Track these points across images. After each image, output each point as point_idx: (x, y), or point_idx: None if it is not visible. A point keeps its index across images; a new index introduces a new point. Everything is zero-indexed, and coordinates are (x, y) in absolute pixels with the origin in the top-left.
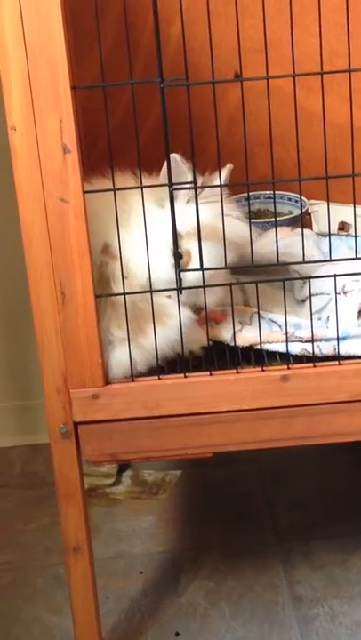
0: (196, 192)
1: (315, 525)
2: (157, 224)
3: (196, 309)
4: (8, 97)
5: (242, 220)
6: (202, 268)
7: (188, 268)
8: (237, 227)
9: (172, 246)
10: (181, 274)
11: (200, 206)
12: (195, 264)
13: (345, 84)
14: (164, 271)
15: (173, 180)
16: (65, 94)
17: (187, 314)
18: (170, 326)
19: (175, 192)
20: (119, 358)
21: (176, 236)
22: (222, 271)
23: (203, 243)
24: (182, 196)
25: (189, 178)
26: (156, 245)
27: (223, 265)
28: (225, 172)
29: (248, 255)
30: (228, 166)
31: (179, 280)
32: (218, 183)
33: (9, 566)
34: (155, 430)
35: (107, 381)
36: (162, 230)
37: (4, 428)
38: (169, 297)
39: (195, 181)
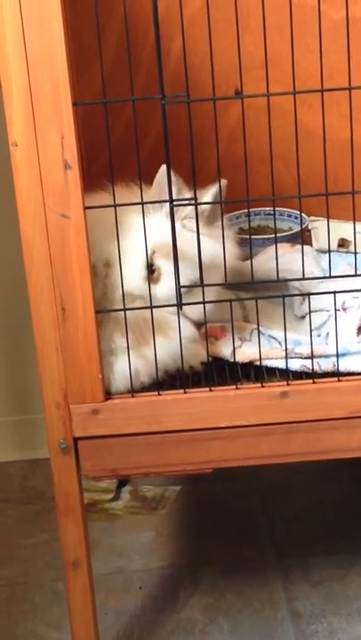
0: (196, 209)
1: (314, 541)
2: (138, 234)
3: (197, 325)
4: (10, 113)
5: (219, 239)
6: (202, 284)
7: (158, 284)
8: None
9: (141, 261)
10: (152, 287)
11: (168, 223)
12: (164, 280)
13: (345, 102)
14: (137, 284)
15: (161, 193)
16: (66, 110)
17: (191, 329)
18: (174, 338)
19: (157, 205)
20: (122, 368)
21: (176, 250)
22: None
23: (164, 261)
24: (165, 210)
25: (180, 189)
26: (132, 255)
27: (198, 282)
28: (221, 189)
29: (248, 271)
30: (223, 182)
31: (179, 296)
32: (210, 199)
33: (7, 581)
34: (154, 446)
35: (107, 396)
36: (139, 241)
37: (4, 442)
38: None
39: (195, 198)
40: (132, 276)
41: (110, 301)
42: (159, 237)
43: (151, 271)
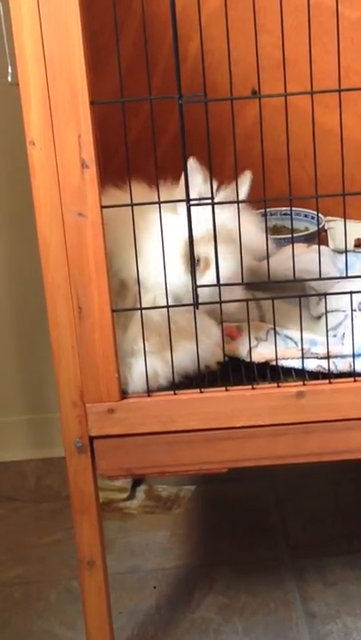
0: (213, 208)
1: (329, 542)
2: (168, 230)
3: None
4: (27, 112)
5: (259, 229)
6: (218, 284)
7: (206, 274)
8: (254, 234)
9: (182, 253)
10: (196, 276)
11: (208, 211)
12: (213, 270)
13: None
14: (176, 279)
15: (191, 183)
16: (84, 109)
17: (216, 331)
18: (203, 342)
19: (190, 193)
20: (141, 370)
21: (193, 251)
22: (239, 278)
23: (218, 246)
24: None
25: (206, 180)
26: (168, 253)
27: (240, 271)
28: (246, 182)
29: (265, 271)
30: (248, 175)
31: (195, 296)
32: (236, 194)
33: (22, 580)
34: (170, 445)
35: (123, 396)
36: (173, 236)
37: (19, 441)
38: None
39: (212, 197)
40: (172, 273)
41: (145, 314)
42: (204, 223)
43: (197, 262)
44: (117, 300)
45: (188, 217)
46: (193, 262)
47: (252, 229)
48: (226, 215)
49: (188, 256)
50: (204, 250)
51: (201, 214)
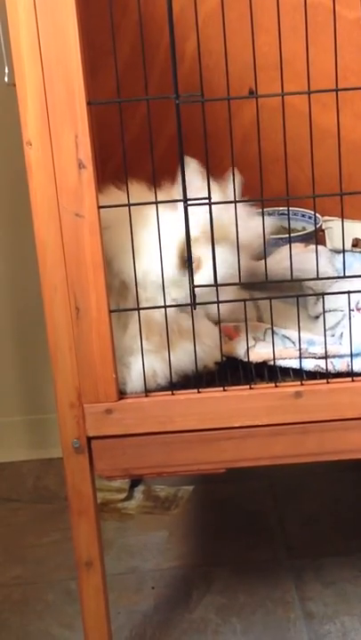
0: (210, 208)
1: (327, 542)
2: (166, 226)
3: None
4: (24, 112)
5: (253, 216)
6: (216, 284)
7: (198, 273)
8: (250, 228)
9: (177, 253)
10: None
11: (206, 208)
12: (205, 270)
13: (359, 101)
14: (171, 275)
15: (190, 181)
16: (80, 110)
17: (216, 333)
18: (203, 343)
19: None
20: (140, 369)
21: (190, 254)
22: (232, 278)
23: (206, 249)
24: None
25: (204, 181)
26: (165, 250)
27: (234, 271)
28: (237, 181)
29: (262, 271)
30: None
31: (193, 296)
32: (233, 193)
33: (20, 581)
34: (168, 445)
35: (120, 396)
36: (170, 233)
37: (17, 442)
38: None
39: (209, 197)
40: (167, 269)
41: (146, 314)
42: (198, 224)
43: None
44: (119, 299)
45: (185, 216)
46: (190, 263)
47: (245, 225)
48: (220, 214)
49: (183, 254)
50: (196, 250)
51: (195, 213)
